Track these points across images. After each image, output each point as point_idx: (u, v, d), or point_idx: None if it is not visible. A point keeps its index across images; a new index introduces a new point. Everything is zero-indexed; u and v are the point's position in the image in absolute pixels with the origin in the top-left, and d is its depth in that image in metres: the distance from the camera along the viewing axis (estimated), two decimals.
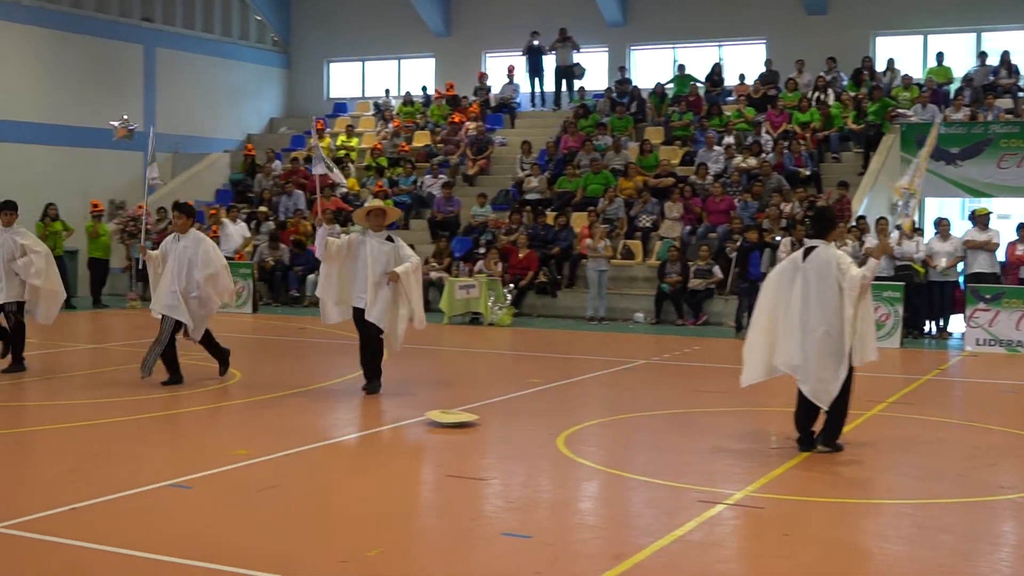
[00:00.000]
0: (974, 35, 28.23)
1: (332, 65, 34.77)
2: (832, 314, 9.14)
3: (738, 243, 20.13)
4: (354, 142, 29.77)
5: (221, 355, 13.17)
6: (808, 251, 9.43)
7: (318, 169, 13.71)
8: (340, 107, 33.46)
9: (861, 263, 10.33)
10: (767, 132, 24.81)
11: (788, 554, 6.83)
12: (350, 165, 28.03)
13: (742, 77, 27.83)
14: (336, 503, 8.01)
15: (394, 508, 7.76)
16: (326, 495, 8.26)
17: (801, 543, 7.03)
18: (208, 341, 13.04)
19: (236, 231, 24.44)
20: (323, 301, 12.59)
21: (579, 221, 22.94)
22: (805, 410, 9.47)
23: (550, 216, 23.55)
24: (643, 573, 6.33)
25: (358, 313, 12.18)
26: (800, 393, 9.40)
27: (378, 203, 13.13)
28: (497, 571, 6.45)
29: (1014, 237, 19.12)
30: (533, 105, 30.52)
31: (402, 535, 7.10)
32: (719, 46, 30.15)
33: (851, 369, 9.34)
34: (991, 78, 25.64)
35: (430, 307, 22.25)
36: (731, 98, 27.54)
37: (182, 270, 12.53)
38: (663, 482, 8.51)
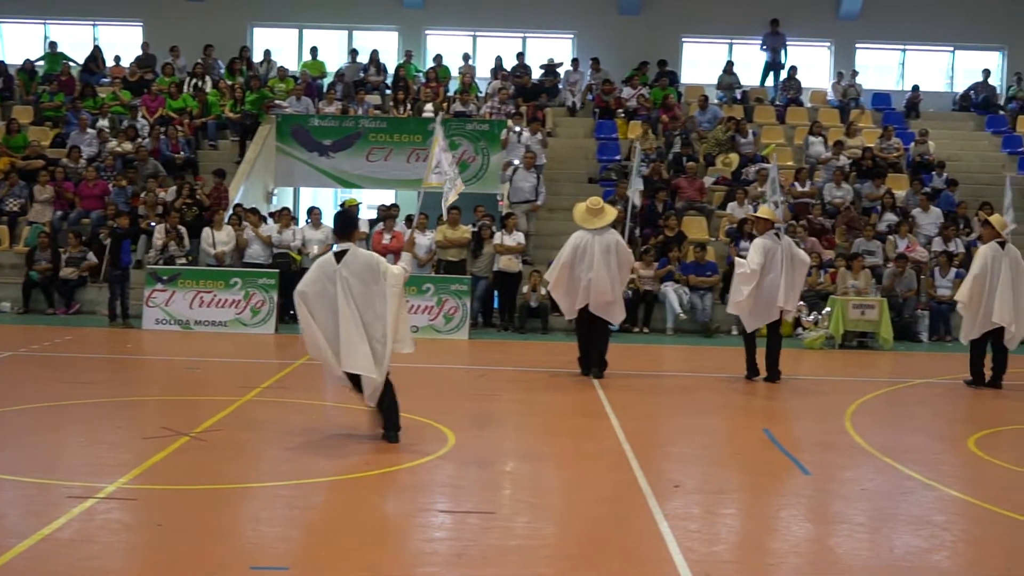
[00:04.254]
0: (346, 33, 29.60)
1: None
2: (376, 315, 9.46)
3: (111, 229, 19.60)
4: None
5: None
6: (340, 255, 9.51)
7: None
8: None
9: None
10: (143, 117, 24.33)
11: (161, 544, 6.79)
12: None
13: (118, 59, 27.16)
14: None
15: None
16: None
17: (175, 532, 7.01)
18: None
19: None
20: None
21: None
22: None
23: None
24: None
25: None
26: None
27: None
28: None
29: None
30: None
31: None
32: (94, 25, 29.34)
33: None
34: (361, 75, 27.02)
35: None
36: (106, 80, 26.76)
37: None
38: (31, 480, 8.14)
